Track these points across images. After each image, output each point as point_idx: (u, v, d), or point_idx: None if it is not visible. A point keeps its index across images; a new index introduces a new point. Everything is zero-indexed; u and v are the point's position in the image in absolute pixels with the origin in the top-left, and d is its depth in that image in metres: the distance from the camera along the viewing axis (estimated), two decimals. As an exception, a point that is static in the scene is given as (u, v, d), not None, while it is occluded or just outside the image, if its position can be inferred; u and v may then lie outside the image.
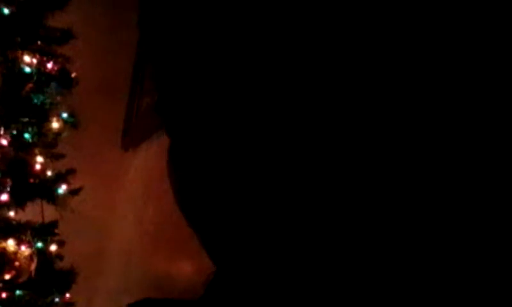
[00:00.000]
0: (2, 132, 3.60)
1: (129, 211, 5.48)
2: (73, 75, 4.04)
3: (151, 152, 5.76)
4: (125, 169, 5.45)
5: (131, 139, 5.57)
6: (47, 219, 4.05)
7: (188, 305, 0.90)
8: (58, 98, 4.02)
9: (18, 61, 3.66)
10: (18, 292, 3.74)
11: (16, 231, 3.71)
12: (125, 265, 5.44)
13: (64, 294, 4.12)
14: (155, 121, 5.80)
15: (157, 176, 5.84)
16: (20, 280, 3.79)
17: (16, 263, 3.76)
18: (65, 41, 3.96)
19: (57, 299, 4.05)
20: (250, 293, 0.67)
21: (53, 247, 4.02)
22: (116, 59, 5.29)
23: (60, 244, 4.10)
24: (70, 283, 4.13)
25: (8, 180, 3.61)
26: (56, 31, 3.91)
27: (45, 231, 3.94)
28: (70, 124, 4.08)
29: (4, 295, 3.62)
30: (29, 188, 3.76)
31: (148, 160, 5.73)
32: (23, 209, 3.79)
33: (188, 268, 5.66)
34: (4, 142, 3.56)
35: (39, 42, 3.80)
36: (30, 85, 3.78)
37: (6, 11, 3.53)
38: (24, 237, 3.74)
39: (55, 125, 3.97)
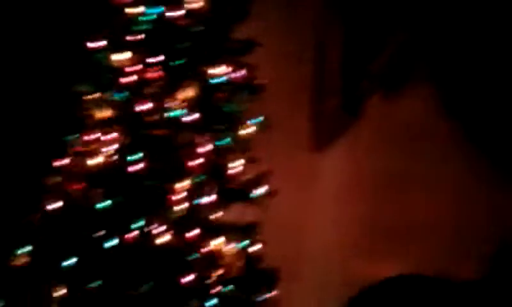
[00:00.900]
0: (201, 139, 4.44)
1: (324, 213, 6.07)
2: (259, 82, 4.80)
3: (341, 153, 6.32)
4: (314, 171, 6.09)
5: (318, 140, 6.22)
6: (246, 220, 4.81)
7: (447, 283, 1.25)
8: (247, 104, 4.79)
9: (210, 74, 4.49)
10: (227, 287, 4.52)
11: (224, 230, 4.50)
12: (323, 269, 6.02)
13: (268, 293, 4.83)
14: (342, 122, 6.40)
15: (351, 178, 6.39)
16: (229, 277, 4.56)
17: (226, 261, 4.53)
18: (249, 51, 4.72)
19: (261, 298, 4.76)
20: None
21: (256, 247, 4.76)
22: (297, 62, 5.98)
23: (262, 244, 4.82)
24: (273, 282, 4.83)
25: (213, 183, 4.43)
26: (240, 42, 4.70)
27: (249, 231, 4.69)
28: (261, 129, 4.82)
29: (216, 289, 4.42)
30: (231, 191, 4.56)
31: (339, 162, 6.29)
32: (227, 210, 4.59)
33: (391, 271, 6.09)
34: (207, 148, 4.38)
35: (226, 54, 4.61)
36: (222, 94, 4.59)
37: (196, 29, 4.38)
38: (231, 236, 4.52)
39: (247, 130, 4.74)
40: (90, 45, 4.12)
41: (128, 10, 4.11)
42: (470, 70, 5.96)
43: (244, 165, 4.67)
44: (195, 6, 4.34)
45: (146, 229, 4.04)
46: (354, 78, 6.20)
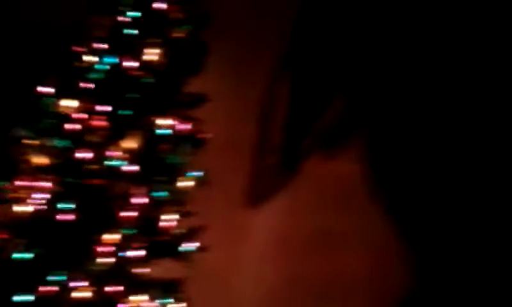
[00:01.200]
0: (137, 191, 4.40)
1: (252, 272, 6.06)
2: (204, 135, 4.81)
3: (275, 211, 6.35)
4: (247, 228, 6.09)
5: (255, 197, 6.25)
6: (172, 277, 4.77)
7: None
8: (189, 157, 4.79)
9: (156, 125, 4.47)
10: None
11: (148, 287, 4.45)
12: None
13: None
14: (280, 179, 6.47)
15: (283, 235, 6.43)
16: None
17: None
18: (198, 105, 4.74)
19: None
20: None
21: (181, 305, 4.71)
22: (242, 118, 6.00)
23: (186, 302, 4.78)
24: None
25: (143, 237, 4.38)
26: (190, 96, 4.70)
27: (174, 288, 4.65)
28: (199, 182, 4.81)
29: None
30: (161, 245, 4.52)
31: (272, 219, 6.32)
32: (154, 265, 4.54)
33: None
34: (142, 200, 4.34)
35: (174, 107, 4.60)
36: (165, 146, 4.57)
37: (148, 81, 4.36)
38: (154, 293, 4.46)
39: (186, 183, 4.72)
40: (39, 89, 4.05)
41: (83, 58, 4.07)
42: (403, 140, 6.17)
43: (178, 219, 4.65)
44: (151, 58, 4.32)
45: (65, 283, 3.94)
46: (296, 136, 6.34)
